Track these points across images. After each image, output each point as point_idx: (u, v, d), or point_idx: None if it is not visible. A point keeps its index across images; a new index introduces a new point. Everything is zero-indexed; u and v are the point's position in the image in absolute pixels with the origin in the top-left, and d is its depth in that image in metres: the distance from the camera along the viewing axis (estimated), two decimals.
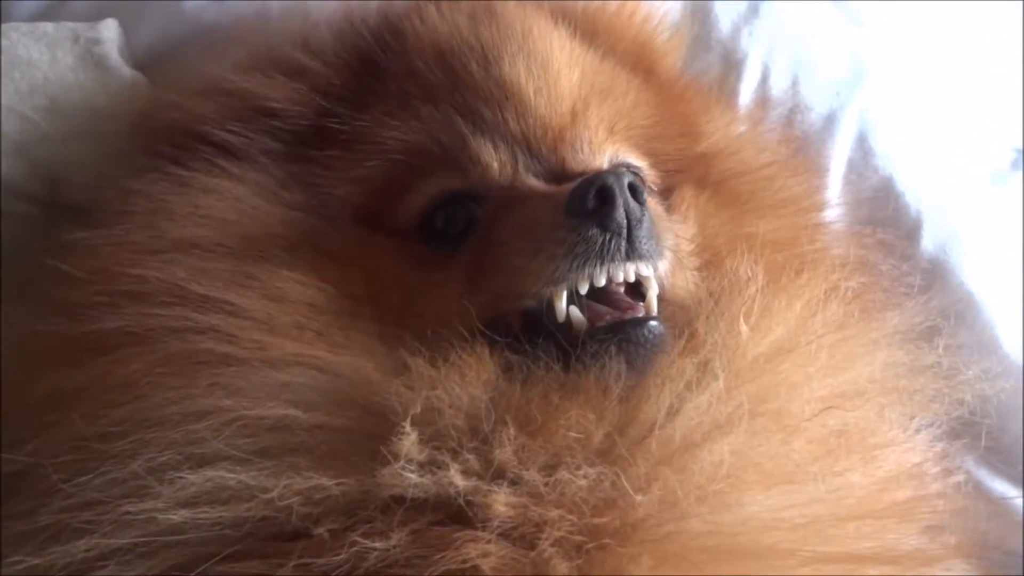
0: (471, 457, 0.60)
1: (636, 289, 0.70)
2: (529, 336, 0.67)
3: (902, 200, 1.04)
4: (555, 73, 0.80)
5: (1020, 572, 0.92)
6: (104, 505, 0.61)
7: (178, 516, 0.60)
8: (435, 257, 0.74)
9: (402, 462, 0.59)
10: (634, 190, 0.67)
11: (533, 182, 0.74)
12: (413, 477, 0.59)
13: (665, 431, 0.61)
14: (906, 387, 0.75)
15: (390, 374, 0.64)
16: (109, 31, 0.88)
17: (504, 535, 0.58)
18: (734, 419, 0.62)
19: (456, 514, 0.59)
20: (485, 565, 0.57)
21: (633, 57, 0.89)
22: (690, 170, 0.85)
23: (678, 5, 1.05)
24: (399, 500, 0.59)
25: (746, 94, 1.05)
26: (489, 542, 0.58)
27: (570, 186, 0.70)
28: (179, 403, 0.64)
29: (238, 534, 0.60)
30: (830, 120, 1.06)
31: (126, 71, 0.87)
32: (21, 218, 0.85)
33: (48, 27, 0.87)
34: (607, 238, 0.66)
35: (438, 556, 0.57)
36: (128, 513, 0.60)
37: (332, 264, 0.73)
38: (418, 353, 0.65)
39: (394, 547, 0.57)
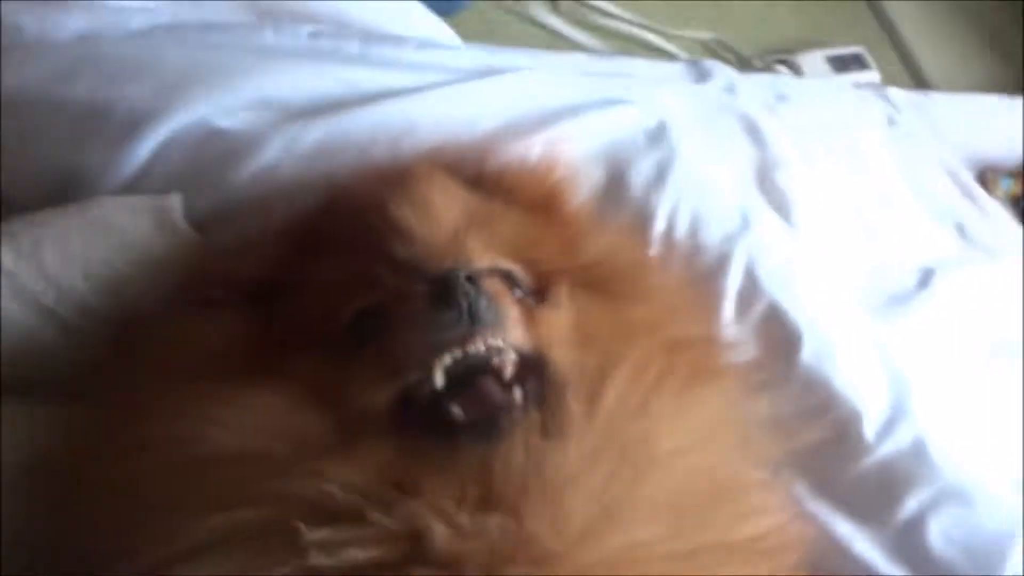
0: (370, 531, 0.70)
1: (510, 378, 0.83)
2: (427, 410, 0.80)
3: (786, 317, 1.26)
4: (435, 208, 0.94)
5: None
6: None
7: None
8: (357, 353, 0.87)
9: (313, 550, 0.69)
10: (470, 279, 0.83)
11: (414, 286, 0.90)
12: (325, 560, 0.69)
13: (538, 479, 0.73)
14: (747, 433, 0.88)
15: (306, 467, 0.75)
16: (176, 202, 1.13)
17: (442, 565, 0.69)
18: (590, 467, 0.75)
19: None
20: None
21: (531, 201, 1.09)
22: (569, 275, 1.01)
23: (599, 176, 1.33)
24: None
25: (655, 238, 1.31)
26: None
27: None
28: (168, 503, 0.77)
29: None
30: (722, 258, 1.30)
31: (189, 232, 1.12)
32: (86, 333, 1.07)
33: (134, 200, 1.12)
34: (452, 314, 0.81)
35: None
36: None
37: (283, 380, 0.86)
38: (334, 445, 0.78)
39: None
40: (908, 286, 1.47)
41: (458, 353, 0.81)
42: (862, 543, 1.13)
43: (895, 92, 1.85)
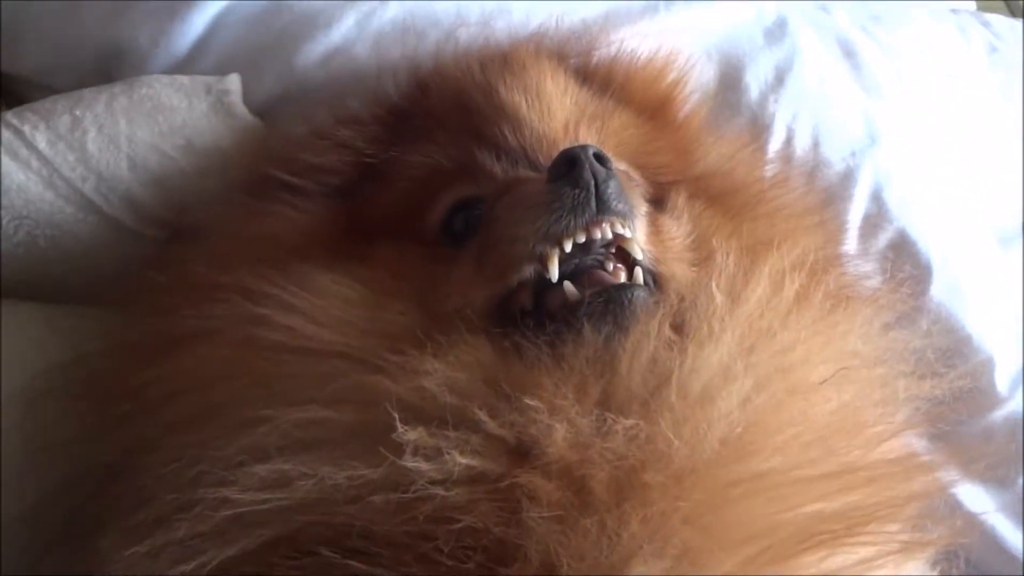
0: (472, 436, 0.64)
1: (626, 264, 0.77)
2: (533, 309, 0.74)
3: (915, 248, 1.14)
4: (548, 97, 0.90)
5: None
6: (186, 495, 0.66)
7: (250, 497, 0.64)
8: (452, 252, 0.82)
9: (408, 453, 0.63)
10: (600, 158, 0.75)
11: (525, 173, 0.84)
12: (423, 465, 0.62)
13: (673, 383, 0.67)
14: (881, 370, 0.80)
15: (397, 363, 0.69)
16: (234, 84, 1.02)
17: (556, 473, 0.63)
18: (730, 380, 0.68)
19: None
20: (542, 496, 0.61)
21: (644, 101, 1.00)
22: (684, 184, 0.93)
23: (712, 75, 1.18)
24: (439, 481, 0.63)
25: (773, 152, 1.16)
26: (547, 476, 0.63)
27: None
28: (240, 394, 0.71)
29: (302, 517, 0.64)
30: (847, 177, 1.17)
31: (250, 118, 1.01)
32: (149, 241, 0.98)
33: (185, 79, 1.01)
34: (577, 193, 0.74)
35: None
36: (205, 500, 0.65)
37: (367, 269, 0.81)
38: (425, 342, 0.70)
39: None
40: (1014, 225, 1.35)
41: (581, 237, 0.74)
42: (984, 504, 1.03)
43: (996, 19, 1.64)
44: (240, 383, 0.72)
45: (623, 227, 0.76)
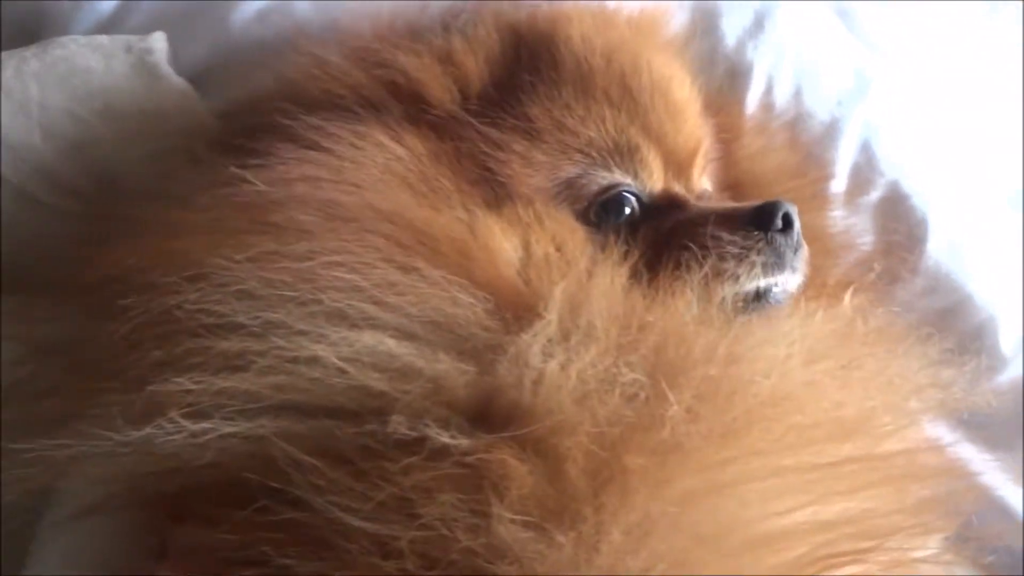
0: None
1: None
2: None
3: (909, 203, 1.07)
4: (694, 107, 0.92)
5: (1021, 573, 0.93)
6: (262, 341, 0.63)
7: (336, 363, 0.62)
8: (597, 239, 0.82)
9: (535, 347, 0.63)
10: (788, 218, 0.82)
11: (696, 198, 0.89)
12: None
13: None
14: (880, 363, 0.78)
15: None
16: (159, 42, 0.94)
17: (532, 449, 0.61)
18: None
19: None
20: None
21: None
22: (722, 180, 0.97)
23: (685, 18, 1.10)
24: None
25: (752, 104, 1.09)
26: None
27: (752, 204, 0.84)
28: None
29: (354, 422, 0.61)
30: (832, 127, 1.09)
31: (176, 79, 0.93)
32: (63, 213, 0.89)
33: (103, 39, 0.93)
34: (791, 251, 0.82)
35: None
36: (285, 353, 0.62)
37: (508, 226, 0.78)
38: None
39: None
40: (1017, 193, 1.29)
41: (773, 283, 0.82)
42: (990, 470, 0.98)
43: None
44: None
45: (792, 283, 0.84)
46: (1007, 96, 1.39)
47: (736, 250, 0.81)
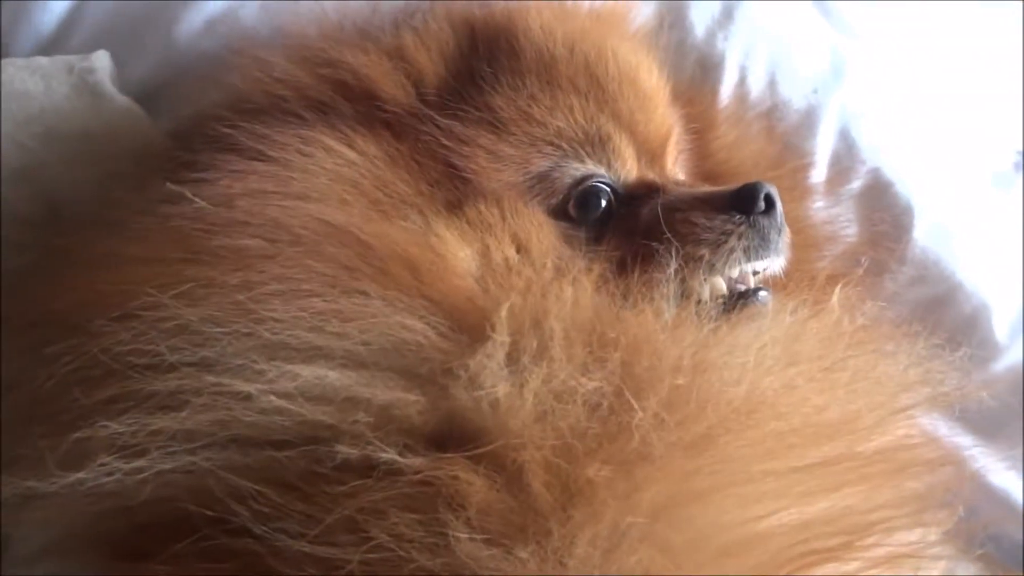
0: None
1: None
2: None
3: (892, 190, 1.05)
4: (663, 95, 0.90)
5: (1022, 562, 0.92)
6: (197, 380, 0.61)
7: (274, 402, 0.59)
8: (574, 234, 0.80)
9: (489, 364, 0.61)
10: (770, 200, 0.80)
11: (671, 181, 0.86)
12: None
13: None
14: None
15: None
16: (101, 61, 0.90)
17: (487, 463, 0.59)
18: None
19: None
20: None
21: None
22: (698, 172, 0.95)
23: (651, 10, 1.06)
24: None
25: (725, 94, 1.06)
26: None
27: (732, 187, 0.81)
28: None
29: (300, 450, 0.59)
30: (809, 115, 1.06)
31: (120, 98, 0.89)
32: (18, 245, 0.84)
33: (43, 60, 0.89)
34: (776, 232, 0.80)
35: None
36: (223, 391, 0.60)
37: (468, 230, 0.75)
38: None
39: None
40: (1015, 163, 1.27)
41: (759, 268, 0.80)
42: (987, 460, 0.96)
43: None
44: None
45: (776, 265, 0.82)
46: (987, 71, 1.36)
47: (713, 236, 0.78)
